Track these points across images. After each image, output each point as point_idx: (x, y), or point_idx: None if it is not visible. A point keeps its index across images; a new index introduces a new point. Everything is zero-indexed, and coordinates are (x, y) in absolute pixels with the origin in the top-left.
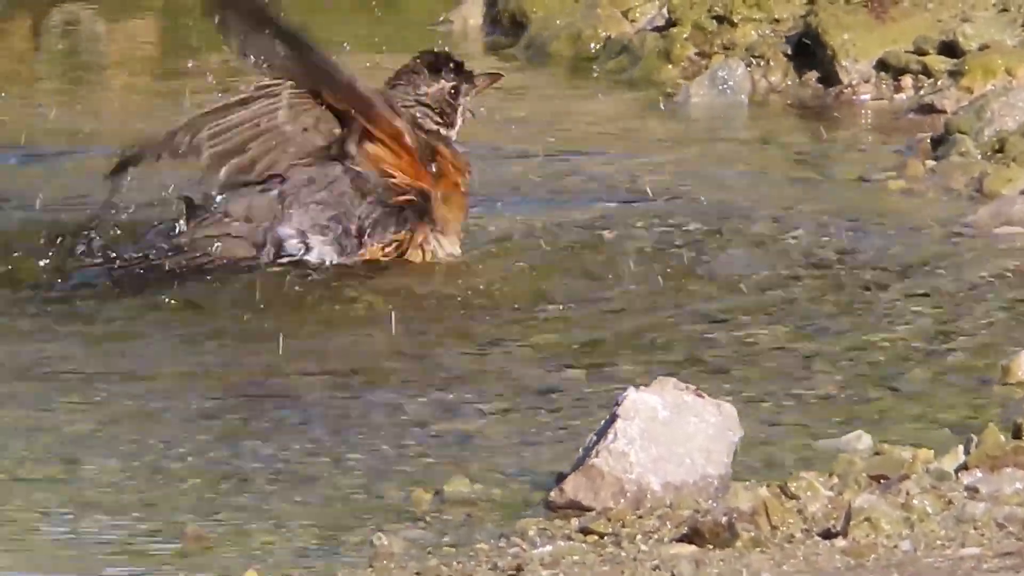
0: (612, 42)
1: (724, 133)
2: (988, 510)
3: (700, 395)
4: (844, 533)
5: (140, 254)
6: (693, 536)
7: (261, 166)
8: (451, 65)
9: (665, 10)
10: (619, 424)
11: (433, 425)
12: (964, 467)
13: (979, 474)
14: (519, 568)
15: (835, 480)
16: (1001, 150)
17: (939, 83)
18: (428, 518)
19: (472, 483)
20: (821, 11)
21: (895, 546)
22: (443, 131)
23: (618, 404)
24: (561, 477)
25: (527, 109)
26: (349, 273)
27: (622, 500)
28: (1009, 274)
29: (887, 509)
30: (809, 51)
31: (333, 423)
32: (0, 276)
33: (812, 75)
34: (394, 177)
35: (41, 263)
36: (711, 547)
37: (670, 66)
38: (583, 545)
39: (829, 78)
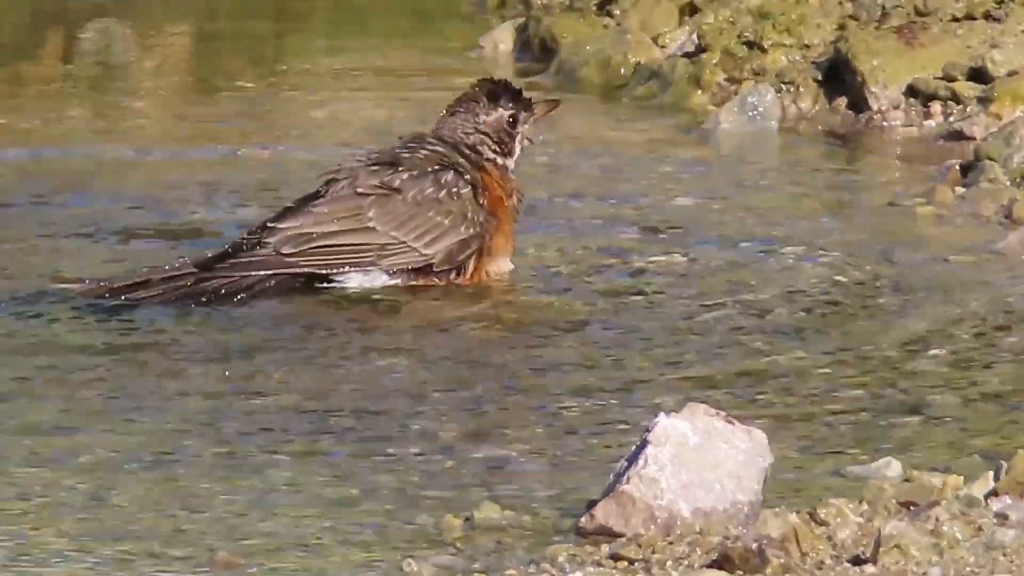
0: (642, 68)
1: (753, 159)
2: (1018, 536)
3: (731, 421)
4: (874, 560)
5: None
6: (723, 562)
7: None
8: (510, 93)
9: (695, 36)
10: (650, 450)
11: (463, 451)
12: (994, 493)
13: (1009, 500)
14: None
15: (865, 507)
16: None
17: (968, 109)
18: (458, 544)
19: (502, 509)
20: (851, 36)
21: (924, 573)
22: (500, 160)
23: (649, 430)
24: (592, 503)
25: (557, 134)
26: (381, 299)
27: (652, 526)
28: None
29: (916, 536)
30: (839, 77)
31: (364, 448)
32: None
33: (842, 101)
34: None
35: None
36: (741, 573)
37: (700, 92)
38: (613, 571)
39: (858, 104)
